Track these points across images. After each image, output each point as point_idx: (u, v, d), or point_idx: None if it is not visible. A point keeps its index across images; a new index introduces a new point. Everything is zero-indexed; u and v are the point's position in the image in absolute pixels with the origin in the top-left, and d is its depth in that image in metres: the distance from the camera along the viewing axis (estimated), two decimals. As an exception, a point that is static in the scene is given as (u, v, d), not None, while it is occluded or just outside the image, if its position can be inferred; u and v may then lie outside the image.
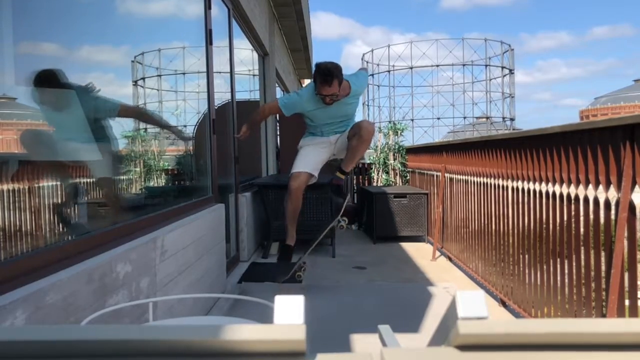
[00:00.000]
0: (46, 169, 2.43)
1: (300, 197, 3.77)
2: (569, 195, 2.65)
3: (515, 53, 32.03)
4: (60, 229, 2.48)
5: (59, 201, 2.50)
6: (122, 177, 3.34)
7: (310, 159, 3.77)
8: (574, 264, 2.58)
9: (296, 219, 3.88)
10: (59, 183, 2.53)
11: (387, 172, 8.43)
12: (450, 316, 0.56)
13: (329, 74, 3.42)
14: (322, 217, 5.16)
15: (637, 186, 2.10)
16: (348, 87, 3.61)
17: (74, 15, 2.57)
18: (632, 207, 2.13)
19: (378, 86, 32.45)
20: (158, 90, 5.99)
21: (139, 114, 3.45)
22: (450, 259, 5.17)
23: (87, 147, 2.64)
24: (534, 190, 3.06)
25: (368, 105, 31.22)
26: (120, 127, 3.26)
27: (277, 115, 8.03)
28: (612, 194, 2.25)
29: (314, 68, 3.58)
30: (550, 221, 2.85)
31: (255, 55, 7.39)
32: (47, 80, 2.33)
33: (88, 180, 2.69)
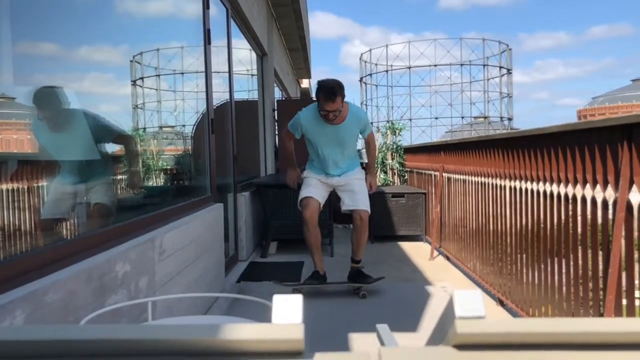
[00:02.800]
0: (44, 171, 2.45)
1: (317, 226, 3.87)
2: (566, 194, 2.65)
3: (513, 53, 32.05)
4: (59, 230, 2.49)
5: (57, 206, 2.51)
6: (117, 193, 3.37)
7: (314, 188, 3.88)
8: (571, 263, 2.58)
9: (319, 248, 3.97)
10: (56, 189, 2.54)
11: (385, 172, 8.43)
12: (448, 315, 0.56)
13: (332, 91, 3.55)
14: (320, 216, 5.16)
15: (634, 186, 2.11)
16: (347, 109, 3.74)
17: (73, 16, 2.57)
18: (629, 207, 2.13)
19: (376, 86, 32.43)
20: (157, 90, 5.98)
21: (128, 148, 3.49)
22: (448, 258, 5.18)
23: (86, 161, 2.68)
24: (532, 190, 3.07)
25: (366, 105, 31.20)
26: (119, 127, 3.26)
27: (276, 114, 8.05)
28: (610, 194, 2.25)
29: (315, 86, 3.72)
30: (548, 221, 2.85)
31: (254, 55, 7.38)
32: (46, 99, 2.35)
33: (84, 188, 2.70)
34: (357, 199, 3.85)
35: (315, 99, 3.72)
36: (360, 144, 4.28)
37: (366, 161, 8.54)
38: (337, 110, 3.60)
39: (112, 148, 3.14)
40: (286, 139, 4.12)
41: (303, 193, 3.88)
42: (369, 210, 3.90)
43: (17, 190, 2.17)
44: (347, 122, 3.75)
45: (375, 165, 8.46)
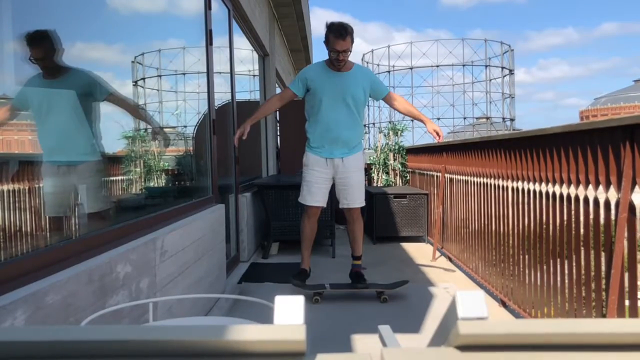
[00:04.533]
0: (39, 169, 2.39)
1: (316, 221, 3.95)
2: (569, 195, 2.65)
3: (519, 51, 32.21)
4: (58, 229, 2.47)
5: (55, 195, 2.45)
6: (113, 172, 3.29)
7: (317, 189, 3.86)
8: (574, 264, 2.58)
9: (312, 243, 4.02)
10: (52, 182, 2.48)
11: (387, 173, 8.42)
12: (450, 316, 0.56)
13: (343, 29, 3.55)
14: (322, 217, 5.16)
15: (637, 186, 2.10)
16: (352, 64, 3.79)
17: (75, 16, 2.57)
18: (632, 208, 2.13)
19: (378, 86, 32.45)
20: (158, 90, 5.98)
21: (128, 106, 3.35)
22: (450, 259, 5.17)
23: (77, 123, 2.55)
24: (534, 191, 3.06)
25: (368, 105, 31.23)
26: (120, 128, 3.26)
27: (277, 115, 8.04)
28: (612, 194, 2.25)
29: (325, 26, 3.66)
30: (551, 221, 2.85)
31: (256, 55, 7.39)
32: (40, 37, 2.21)
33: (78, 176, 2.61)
34: (352, 196, 3.86)
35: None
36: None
37: (369, 162, 8.50)
38: (348, 51, 3.60)
39: (110, 148, 3.09)
40: (275, 97, 4.08)
41: (307, 200, 3.87)
42: (364, 203, 3.95)
43: (18, 191, 2.17)
44: (354, 71, 3.76)
45: (377, 166, 8.51)
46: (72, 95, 2.48)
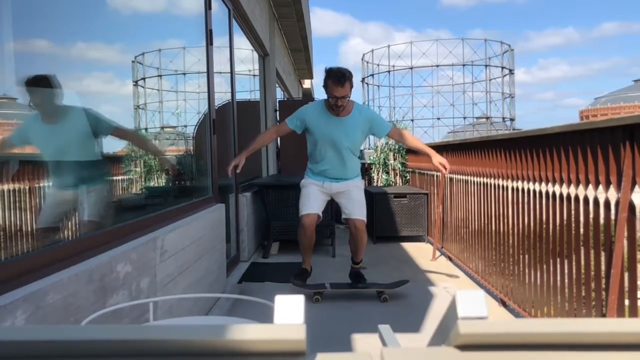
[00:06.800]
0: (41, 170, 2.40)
1: (314, 232, 3.87)
2: (568, 195, 2.65)
3: (519, 51, 32.20)
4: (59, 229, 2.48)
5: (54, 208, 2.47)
6: (117, 186, 3.32)
7: (314, 200, 3.84)
8: (573, 264, 2.58)
9: (311, 248, 4.00)
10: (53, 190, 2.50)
11: (387, 172, 8.42)
12: (451, 316, 0.56)
13: (341, 75, 3.55)
14: (322, 218, 5.16)
15: (636, 186, 2.10)
16: (353, 105, 3.75)
17: (75, 16, 2.57)
18: (631, 207, 2.13)
19: (378, 86, 32.46)
20: (158, 90, 5.98)
21: (133, 138, 3.45)
22: (450, 259, 5.17)
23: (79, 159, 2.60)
24: (534, 190, 3.06)
25: (368, 105, 31.22)
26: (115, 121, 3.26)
27: (278, 115, 8.04)
28: (612, 194, 2.25)
29: (324, 72, 3.67)
30: (550, 221, 2.85)
31: (256, 55, 7.39)
32: (39, 84, 2.24)
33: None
34: (354, 207, 3.84)
35: (316, 100, 3.70)
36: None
37: (369, 161, 8.48)
38: (346, 97, 3.59)
39: (110, 148, 3.11)
40: (272, 130, 4.13)
41: (303, 209, 3.85)
42: (365, 220, 3.90)
43: (18, 191, 2.17)
44: (353, 115, 3.74)
45: (377, 166, 8.50)
46: (74, 137, 2.50)
